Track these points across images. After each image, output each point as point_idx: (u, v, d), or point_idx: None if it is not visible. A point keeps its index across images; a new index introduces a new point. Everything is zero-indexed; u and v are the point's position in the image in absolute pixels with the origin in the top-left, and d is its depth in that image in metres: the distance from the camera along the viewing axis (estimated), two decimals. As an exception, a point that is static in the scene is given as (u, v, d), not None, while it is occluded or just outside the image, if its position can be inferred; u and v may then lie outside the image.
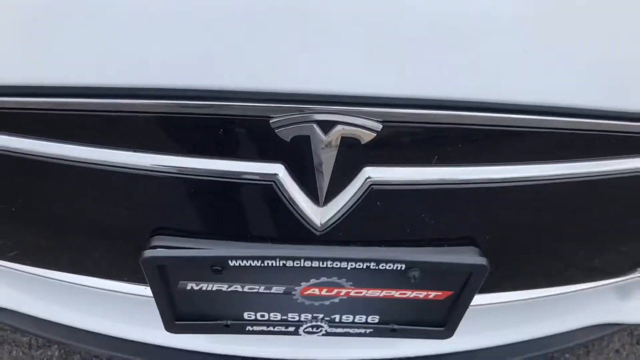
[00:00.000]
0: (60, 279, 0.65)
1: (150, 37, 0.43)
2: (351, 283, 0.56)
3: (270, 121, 0.45)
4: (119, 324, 0.79)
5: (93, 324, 0.78)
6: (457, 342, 0.78)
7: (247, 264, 0.52)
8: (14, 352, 0.98)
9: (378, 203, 0.50)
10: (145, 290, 0.66)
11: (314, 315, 0.61)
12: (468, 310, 0.64)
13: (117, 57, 0.43)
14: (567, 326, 0.82)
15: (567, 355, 1.02)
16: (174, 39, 0.43)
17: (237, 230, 0.54)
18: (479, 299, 0.68)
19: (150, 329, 0.79)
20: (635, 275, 0.70)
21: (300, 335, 0.64)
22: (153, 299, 0.71)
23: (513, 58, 0.45)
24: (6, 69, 0.45)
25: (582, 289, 0.70)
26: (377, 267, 0.52)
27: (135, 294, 0.68)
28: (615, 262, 0.66)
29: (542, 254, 0.61)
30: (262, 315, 0.61)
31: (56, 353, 0.98)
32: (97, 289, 0.69)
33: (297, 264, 0.52)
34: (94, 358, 0.98)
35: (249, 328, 0.63)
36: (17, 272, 0.74)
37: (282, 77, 0.44)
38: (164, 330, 0.77)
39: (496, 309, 0.79)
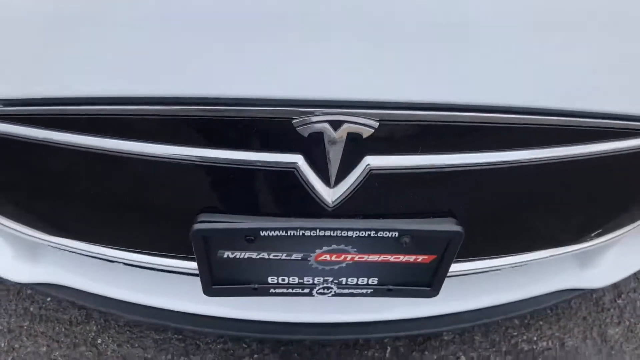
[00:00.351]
0: (118, 256, 0.79)
1: (198, 56, 0.57)
2: (355, 250, 0.70)
3: (293, 121, 0.59)
4: (156, 296, 0.93)
5: (133, 296, 0.92)
6: (440, 306, 0.93)
7: (274, 234, 0.66)
8: (57, 328, 1.11)
9: (376, 184, 0.64)
10: (184, 264, 0.80)
11: (325, 278, 0.75)
12: (448, 279, 0.78)
13: (175, 71, 0.57)
14: (537, 291, 0.97)
15: (541, 323, 1.17)
16: (219, 58, 0.57)
17: (266, 208, 0.68)
18: (457, 267, 0.82)
19: (181, 300, 0.93)
20: (589, 245, 0.85)
21: (313, 296, 0.78)
22: (185, 276, 0.86)
23: (485, 68, 0.59)
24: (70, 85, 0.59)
25: (545, 257, 0.84)
26: (376, 235, 0.67)
27: (175, 269, 0.82)
28: (570, 232, 0.80)
29: (508, 225, 0.76)
30: (283, 279, 0.75)
31: (94, 327, 1.11)
32: (144, 266, 0.83)
33: (313, 233, 0.66)
34: (127, 331, 1.11)
35: (272, 290, 0.77)
36: (70, 252, 0.88)
37: (302, 87, 0.58)
38: (193, 301, 0.92)
39: (474, 278, 0.94)
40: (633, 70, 0.61)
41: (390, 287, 0.77)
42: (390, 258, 0.71)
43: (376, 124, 0.60)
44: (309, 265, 0.72)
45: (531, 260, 0.85)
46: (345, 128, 0.60)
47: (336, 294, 0.78)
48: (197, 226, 0.65)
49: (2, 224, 0.78)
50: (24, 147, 0.64)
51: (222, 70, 0.56)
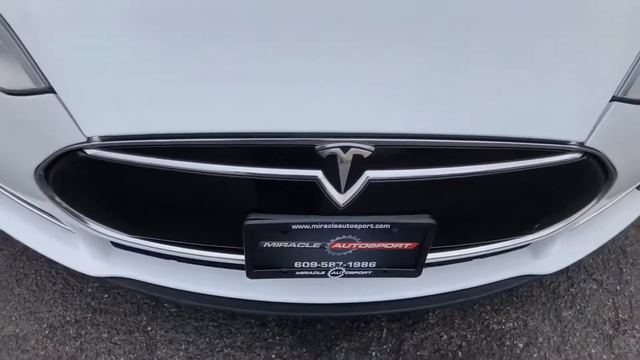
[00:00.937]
0: (184, 252, 1.05)
1: (262, 107, 0.84)
2: (360, 239, 0.96)
3: (315, 147, 0.86)
4: (202, 285, 1.18)
5: (185, 285, 1.18)
6: (423, 289, 1.19)
7: (301, 227, 0.93)
8: (114, 318, 1.36)
9: (374, 190, 0.91)
10: (231, 257, 1.06)
11: (337, 262, 1.01)
12: (427, 269, 1.05)
13: (242, 117, 0.85)
14: (499, 277, 1.23)
15: (508, 308, 1.43)
16: (273, 110, 0.84)
17: (295, 208, 0.94)
18: (434, 256, 1.09)
19: (222, 288, 1.18)
20: (532, 237, 1.11)
21: (328, 277, 1.05)
22: (223, 269, 1.12)
23: (447, 111, 0.87)
24: (158, 124, 0.86)
25: (500, 247, 1.11)
26: (374, 227, 0.93)
27: (224, 261, 1.08)
28: (515, 226, 1.07)
29: (470, 220, 1.03)
30: (306, 264, 1.01)
31: (144, 318, 1.36)
32: (200, 260, 1.09)
33: (328, 227, 0.93)
34: (172, 320, 1.36)
35: (297, 273, 1.03)
36: (133, 252, 1.15)
37: (322, 124, 0.85)
38: (231, 289, 1.18)
39: (448, 268, 1.20)
40: (544, 109, 0.90)
41: (385, 269, 1.03)
42: (385, 245, 0.98)
43: (372, 148, 0.87)
44: (325, 252, 0.99)
45: (490, 250, 1.12)
46: (351, 151, 0.87)
47: (345, 275, 1.04)
48: (247, 222, 0.92)
49: (93, 228, 1.04)
50: (119, 168, 0.90)
51: (275, 117, 0.85)
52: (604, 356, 1.35)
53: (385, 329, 1.37)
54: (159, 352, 1.30)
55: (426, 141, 0.88)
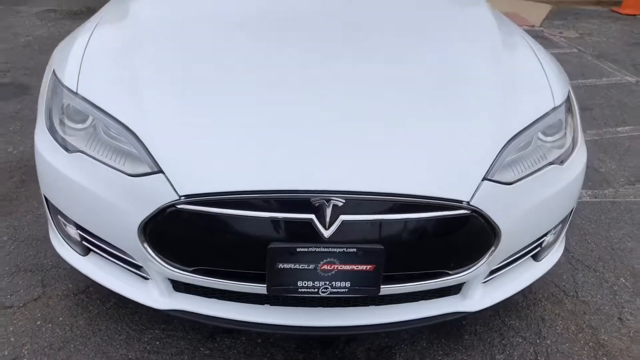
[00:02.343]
0: (219, 286, 1.63)
1: (284, 176, 1.51)
2: (338, 261, 1.55)
3: (310, 199, 1.51)
4: (235, 313, 1.72)
5: (224, 314, 1.72)
6: (378, 319, 1.73)
7: (302, 250, 1.52)
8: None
9: (346, 227, 1.53)
10: (254, 288, 1.63)
11: (324, 282, 1.58)
12: (381, 306, 1.63)
13: (275, 179, 1.51)
14: (436, 312, 1.77)
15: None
16: (289, 179, 1.52)
17: (299, 238, 1.55)
18: (384, 287, 1.65)
19: (247, 316, 1.72)
20: (452, 278, 1.69)
21: (319, 294, 1.60)
22: (250, 305, 1.68)
23: (380, 179, 1.54)
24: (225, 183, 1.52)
25: (433, 283, 1.68)
26: (346, 251, 1.53)
27: (249, 290, 1.65)
28: (439, 261, 1.66)
29: (406, 251, 1.62)
30: (305, 283, 1.58)
31: (197, 336, 1.85)
32: (235, 295, 1.66)
33: (319, 250, 1.53)
34: (211, 342, 1.85)
35: (299, 290, 1.59)
36: (188, 291, 1.71)
37: (315, 185, 1.51)
38: (253, 316, 1.71)
39: (396, 306, 1.75)
40: (446, 180, 1.57)
41: (356, 287, 1.60)
42: (354, 267, 1.57)
43: (343, 201, 1.51)
44: (317, 273, 1.57)
45: (422, 285, 1.68)
46: (332, 202, 1.51)
47: (331, 293, 1.60)
48: (270, 246, 1.52)
49: (167, 267, 1.63)
50: (196, 216, 1.53)
51: (293, 182, 1.51)
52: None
53: (353, 345, 1.86)
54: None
55: (372, 197, 1.53)
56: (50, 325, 1.95)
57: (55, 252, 1.94)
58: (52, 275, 2.19)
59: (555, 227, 1.93)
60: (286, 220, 1.53)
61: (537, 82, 1.96)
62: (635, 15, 7.54)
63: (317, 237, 1.53)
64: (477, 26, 2.36)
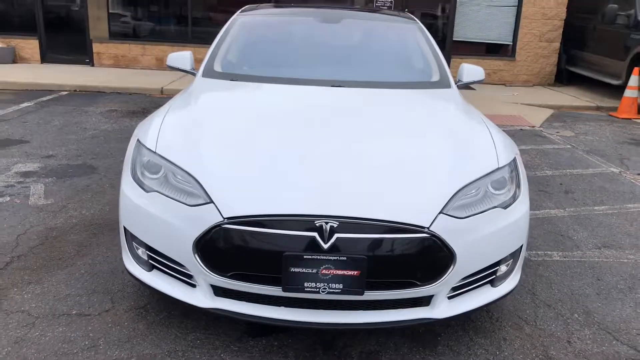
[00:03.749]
0: (247, 289, 2.26)
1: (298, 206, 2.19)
2: (333, 267, 2.17)
3: (314, 222, 2.17)
4: (263, 311, 2.32)
5: (253, 312, 2.32)
6: (361, 318, 2.30)
7: (306, 258, 2.15)
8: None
9: (340, 242, 2.17)
10: (273, 290, 2.24)
11: (324, 283, 2.19)
12: (363, 311, 2.23)
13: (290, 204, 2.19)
14: (407, 317, 2.33)
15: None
16: (298, 206, 2.19)
17: (305, 249, 2.18)
18: (368, 295, 2.24)
19: (270, 313, 2.31)
20: (419, 289, 2.27)
21: (320, 293, 2.20)
22: (272, 306, 2.30)
23: (366, 208, 2.20)
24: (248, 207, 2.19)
25: (405, 294, 2.27)
26: (339, 259, 2.16)
27: (268, 292, 2.26)
28: (408, 274, 2.25)
29: (383, 264, 2.22)
30: (309, 284, 2.19)
31: (235, 334, 2.42)
32: (262, 298, 2.27)
33: (319, 258, 2.15)
34: (239, 334, 2.41)
35: (305, 289, 2.19)
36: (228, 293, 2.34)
37: (318, 210, 2.18)
38: (270, 313, 2.32)
39: (375, 312, 2.33)
40: (413, 211, 2.22)
41: (346, 288, 2.20)
42: (345, 272, 2.18)
43: (337, 223, 2.17)
44: (318, 276, 2.19)
45: (395, 294, 2.27)
46: (329, 224, 2.17)
47: (328, 292, 2.20)
48: (285, 254, 2.16)
49: (212, 276, 2.27)
50: (237, 233, 2.20)
51: (303, 207, 2.19)
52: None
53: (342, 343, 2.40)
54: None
55: (358, 221, 2.18)
56: (118, 327, 2.57)
57: (123, 278, 2.59)
58: (118, 296, 2.83)
59: (506, 260, 2.52)
60: (297, 236, 2.18)
61: (486, 150, 2.64)
62: (630, 119, 8.28)
63: (318, 249, 2.17)
64: (445, 109, 3.10)
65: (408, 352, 2.48)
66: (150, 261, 2.50)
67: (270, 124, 2.75)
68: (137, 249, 2.53)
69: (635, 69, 8.40)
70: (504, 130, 7.00)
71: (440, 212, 2.27)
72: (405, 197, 2.29)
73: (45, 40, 10.80)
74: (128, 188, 2.52)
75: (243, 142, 2.56)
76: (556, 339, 2.64)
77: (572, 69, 11.01)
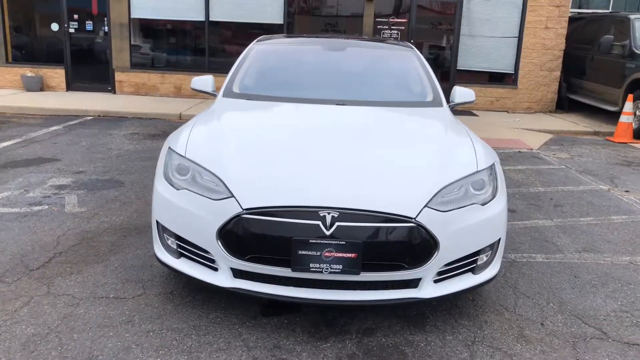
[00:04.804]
0: (261, 270, 2.67)
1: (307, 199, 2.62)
2: (334, 250, 2.58)
3: (319, 212, 2.59)
4: (277, 289, 2.73)
5: (267, 290, 2.73)
6: (355, 297, 2.70)
7: (312, 242, 2.57)
8: (230, 302, 2.82)
9: (340, 229, 2.58)
10: (283, 271, 2.65)
11: (327, 264, 2.60)
12: (359, 291, 2.63)
13: (296, 195, 2.62)
14: (398, 296, 2.72)
15: (409, 320, 2.83)
16: (305, 198, 2.62)
17: (311, 235, 2.59)
18: (364, 276, 2.64)
19: (283, 291, 2.72)
20: (408, 272, 2.67)
21: (323, 273, 2.61)
22: (279, 284, 2.71)
23: (362, 200, 2.62)
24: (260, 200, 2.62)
25: (396, 276, 2.67)
26: (339, 243, 2.57)
27: (280, 274, 2.67)
28: (398, 258, 2.65)
29: (376, 248, 2.63)
30: (314, 265, 2.60)
31: (254, 307, 2.82)
32: (276, 279, 2.68)
33: (323, 242, 2.57)
34: (255, 307, 2.81)
35: (310, 269, 2.60)
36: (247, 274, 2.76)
37: (322, 202, 2.60)
38: (286, 291, 2.73)
39: (370, 291, 2.73)
40: (401, 202, 2.64)
41: (345, 269, 2.61)
42: (344, 255, 2.59)
43: (337, 213, 2.59)
44: (322, 257, 2.59)
45: (387, 276, 2.67)
46: (331, 214, 2.59)
47: (330, 272, 2.61)
48: (294, 239, 2.57)
49: (232, 259, 2.68)
50: (253, 221, 2.62)
51: (309, 199, 2.62)
52: None
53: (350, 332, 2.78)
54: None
55: (356, 212, 2.60)
56: (149, 307, 2.98)
57: (152, 270, 3.02)
58: (149, 284, 3.25)
59: (485, 251, 2.91)
60: (304, 224, 2.60)
61: (467, 156, 3.06)
62: (626, 143, 8.66)
63: (322, 234, 2.59)
64: (435, 123, 3.54)
65: (399, 330, 2.86)
66: (178, 249, 2.92)
67: (280, 133, 3.21)
68: (167, 239, 2.96)
69: (630, 96, 8.82)
70: (502, 152, 7.44)
71: (425, 206, 2.68)
72: (396, 193, 2.71)
73: (70, 69, 11.47)
74: (161, 187, 2.96)
75: (258, 148, 3.01)
76: (531, 322, 3.01)
77: (573, 96, 11.45)
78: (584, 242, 4.26)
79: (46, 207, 4.57)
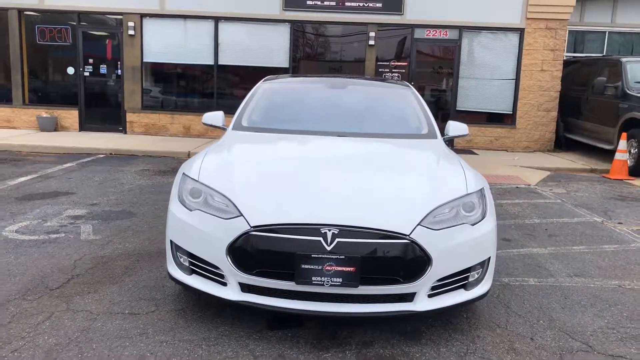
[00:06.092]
0: (267, 284, 2.89)
1: (310, 215, 2.87)
2: (335, 264, 2.80)
3: (320, 229, 2.83)
4: (280, 302, 2.93)
5: (271, 303, 2.94)
6: (355, 309, 2.91)
7: (315, 256, 2.79)
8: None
9: (340, 245, 2.81)
10: (287, 285, 2.87)
11: (328, 277, 2.81)
12: (358, 304, 2.85)
13: (299, 214, 2.86)
14: (394, 309, 2.93)
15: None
16: (308, 217, 2.86)
17: (313, 250, 2.82)
18: (361, 288, 2.85)
19: (288, 304, 2.93)
20: (404, 286, 2.88)
21: (324, 285, 2.82)
22: (287, 299, 2.93)
23: (361, 214, 2.86)
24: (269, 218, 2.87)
25: (393, 290, 2.88)
26: (339, 258, 2.79)
27: (284, 287, 2.88)
28: (391, 274, 2.87)
29: (374, 262, 2.85)
30: (316, 278, 2.82)
31: (263, 321, 3.01)
32: (279, 289, 2.90)
33: (324, 256, 2.79)
34: (262, 320, 3.00)
35: (313, 282, 2.81)
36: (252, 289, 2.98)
37: (323, 220, 2.84)
38: (285, 304, 2.94)
39: (368, 304, 2.94)
40: (397, 220, 2.88)
41: (345, 282, 2.82)
42: (344, 269, 2.81)
43: (337, 230, 2.83)
44: (323, 271, 2.81)
45: (384, 290, 2.88)
46: (332, 231, 2.83)
47: (331, 285, 2.82)
48: (297, 253, 2.80)
49: (240, 274, 2.91)
50: (260, 238, 2.86)
51: (312, 217, 2.86)
52: None
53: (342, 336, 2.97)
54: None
55: (354, 229, 2.84)
56: (162, 322, 3.19)
57: (164, 290, 3.24)
58: (161, 302, 3.46)
59: (476, 268, 3.12)
60: (306, 240, 2.83)
61: (458, 181, 3.31)
62: (621, 179, 8.90)
63: (323, 250, 2.82)
64: (429, 153, 3.80)
65: (397, 342, 3.05)
66: (190, 266, 3.15)
67: (285, 160, 3.49)
68: (180, 257, 3.19)
69: (624, 134, 9.11)
70: (500, 187, 7.73)
71: (418, 224, 2.91)
72: (391, 212, 2.95)
73: (84, 110, 11.91)
74: (175, 208, 3.22)
75: (265, 173, 3.28)
76: (522, 336, 3.19)
77: (570, 136, 11.77)
78: (575, 267, 4.45)
79: (63, 235, 4.82)
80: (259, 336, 3.06)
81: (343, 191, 3.08)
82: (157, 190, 6.80)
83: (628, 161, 9.12)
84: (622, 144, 9.05)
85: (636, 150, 9.10)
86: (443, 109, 11.80)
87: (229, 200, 3.03)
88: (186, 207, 3.16)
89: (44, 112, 11.76)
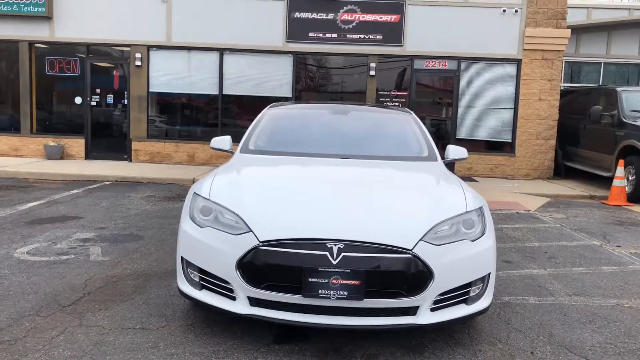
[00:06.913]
0: (275, 298, 3.00)
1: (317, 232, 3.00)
2: (341, 278, 2.92)
3: (326, 244, 2.95)
4: (286, 315, 3.04)
5: (278, 316, 3.04)
6: (359, 322, 3.01)
7: (320, 270, 2.91)
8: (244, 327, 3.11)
9: (345, 259, 2.93)
10: (295, 298, 2.98)
11: (333, 290, 2.92)
12: (361, 318, 2.96)
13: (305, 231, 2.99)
14: (397, 322, 3.03)
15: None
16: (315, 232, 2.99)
17: (319, 264, 2.93)
18: (366, 301, 2.96)
19: (294, 317, 3.03)
20: (406, 299, 2.99)
21: (330, 299, 2.93)
22: (293, 312, 3.04)
23: (364, 231, 2.99)
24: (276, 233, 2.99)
25: (396, 303, 2.98)
26: (344, 271, 2.91)
27: (291, 301, 2.99)
28: (395, 288, 2.98)
29: (378, 277, 2.96)
30: (322, 291, 2.93)
31: (264, 332, 3.11)
32: (286, 305, 3.00)
33: (330, 270, 2.91)
34: (268, 333, 3.09)
35: (320, 295, 2.92)
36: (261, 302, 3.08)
37: (329, 235, 2.97)
38: (292, 317, 3.05)
39: (372, 318, 3.04)
40: (399, 235, 3.01)
41: (350, 295, 2.93)
42: (349, 282, 2.92)
43: (343, 245, 2.96)
44: (329, 284, 2.93)
45: (388, 303, 2.99)
46: (337, 245, 2.96)
47: (337, 298, 2.93)
48: (304, 267, 2.92)
49: (249, 289, 3.02)
50: (268, 252, 2.99)
51: (318, 232, 2.99)
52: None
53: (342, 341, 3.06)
54: None
55: (359, 244, 2.97)
56: (172, 336, 3.28)
57: (174, 307, 3.35)
58: (171, 318, 3.56)
59: (476, 283, 3.23)
60: (313, 254, 2.95)
61: (457, 199, 3.45)
62: (620, 205, 9.02)
63: (329, 264, 2.94)
64: (430, 174, 3.95)
65: (401, 355, 3.14)
66: (200, 282, 3.26)
67: (292, 179, 3.64)
68: (191, 273, 3.31)
69: (621, 161, 9.27)
70: (500, 213, 7.89)
71: (420, 239, 3.04)
72: (394, 229, 3.08)
73: (90, 139, 12.13)
74: (187, 226, 3.35)
75: (272, 192, 3.42)
76: (522, 351, 3.28)
77: (569, 163, 11.94)
78: (574, 287, 4.54)
79: (73, 256, 4.93)
80: (266, 349, 3.15)
81: (347, 208, 3.21)
82: (163, 215, 6.93)
83: (626, 187, 9.26)
84: (620, 170, 9.20)
85: (634, 177, 9.25)
86: (443, 137, 12.00)
87: (239, 216, 3.17)
88: (197, 224, 3.29)
89: (51, 141, 11.97)
